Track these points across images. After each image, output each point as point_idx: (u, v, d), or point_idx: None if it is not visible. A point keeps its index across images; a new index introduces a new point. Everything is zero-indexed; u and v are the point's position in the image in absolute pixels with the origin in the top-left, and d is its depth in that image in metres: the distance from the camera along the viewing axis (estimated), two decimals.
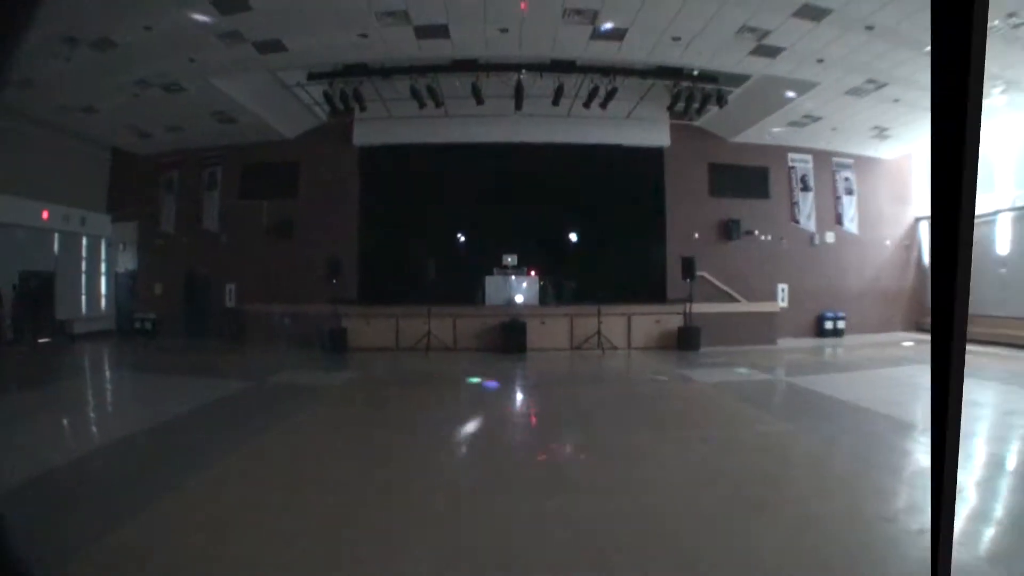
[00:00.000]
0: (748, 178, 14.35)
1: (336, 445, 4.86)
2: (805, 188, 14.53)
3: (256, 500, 3.69)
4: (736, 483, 3.97)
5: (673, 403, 6.91)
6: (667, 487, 3.92)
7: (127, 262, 15.24)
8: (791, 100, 11.50)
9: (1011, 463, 4.56)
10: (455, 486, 3.92)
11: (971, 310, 1.14)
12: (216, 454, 4.50)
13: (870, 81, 10.46)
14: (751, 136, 13.88)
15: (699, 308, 12.03)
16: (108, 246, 15.05)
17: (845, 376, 8.60)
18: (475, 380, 8.68)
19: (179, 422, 5.64)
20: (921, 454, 4.60)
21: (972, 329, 1.18)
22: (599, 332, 11.47)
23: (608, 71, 11.10)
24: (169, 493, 3.75)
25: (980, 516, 3.43)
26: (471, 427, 5.66)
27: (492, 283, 12.56)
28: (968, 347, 1.09)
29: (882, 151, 14.55)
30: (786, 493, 3.79)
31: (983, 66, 1.00)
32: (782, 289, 14.17)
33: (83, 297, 14.28)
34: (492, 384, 8.27)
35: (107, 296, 15.00)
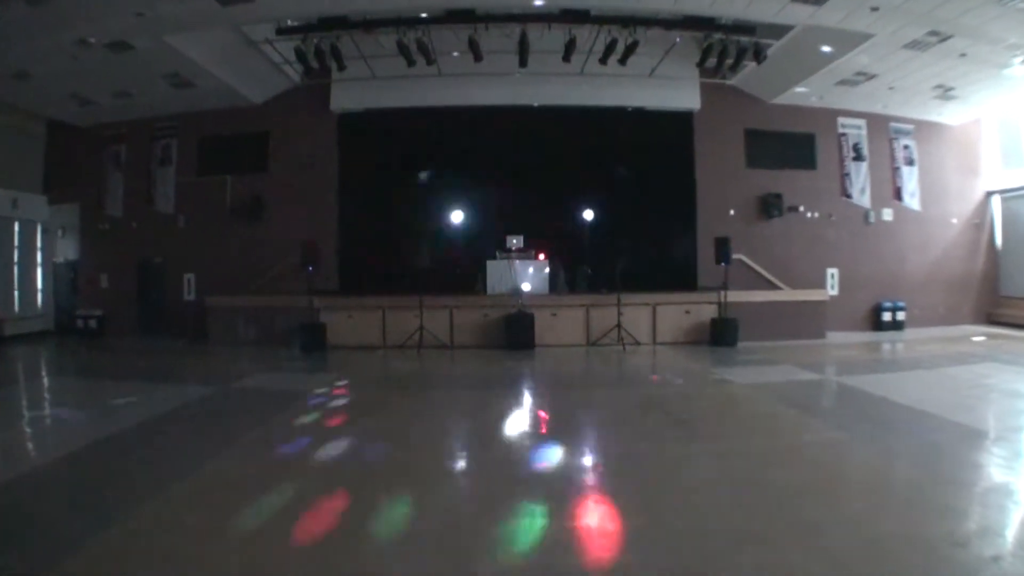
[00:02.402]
0: (791, 146, 14.39)
1: (309, 466, 4.83)
2: (858, 157, 14.54)
3: (198, 558, 3.39)
4: (781, 502, 3.98)
5: (706, 408, 6.93)
6: (699, 507, 3.92)
7: (67, 251, 15.36)
8: (841, 55, 11.43)
9: None
10: (454, 514, 3.93)
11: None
12: (161, 481, 4.37)
13: (932, 33, 10.42)
14: (794, 97, 13.90)
15: (735, 297, 12.08)
16: (44, 232, 15.15)
17: (906, 376, 8.60)
18: (475, 382, 8.71)
19: (122, 439, 5.55)
20: (996, 467, 4.63)
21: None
22: (619, 325, 11.52)
23: (628, 21, 11.10)
24: (91, 541, 3.48)
25: None
26: (470, 440, 5.67)
27: (494, 269, 12.60)
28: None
29: (946, 115, 14.53)
30: (839, 513, 3.80)
31: None
32: (832, 275, 14.22)
33: (15, 292, 14.36)
34: (494, 386, 8.31)
35: (44, 290, 15.10)
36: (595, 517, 3.80)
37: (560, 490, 4.20)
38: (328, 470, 4.77)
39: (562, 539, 3.48)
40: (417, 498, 4.16)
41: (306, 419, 6.45)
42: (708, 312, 12.13)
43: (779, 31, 11.30)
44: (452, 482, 4.61)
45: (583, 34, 11.40)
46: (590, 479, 4.64)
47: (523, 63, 11.83)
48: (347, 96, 13.76)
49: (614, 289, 11.73)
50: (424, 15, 11.04)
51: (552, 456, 5.08)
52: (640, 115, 13.96)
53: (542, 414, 6.88)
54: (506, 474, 4.61)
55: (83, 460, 5.03)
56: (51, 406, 7.47)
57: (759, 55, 11.54)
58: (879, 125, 14.64)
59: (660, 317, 12.09)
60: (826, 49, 11.30)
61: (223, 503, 4.04)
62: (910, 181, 14.80)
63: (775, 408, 6.70)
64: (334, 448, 5.29)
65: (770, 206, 14.11)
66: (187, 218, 14.33)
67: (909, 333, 13.65)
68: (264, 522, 3.77)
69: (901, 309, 14.15)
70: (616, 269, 11.63)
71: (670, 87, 13.68)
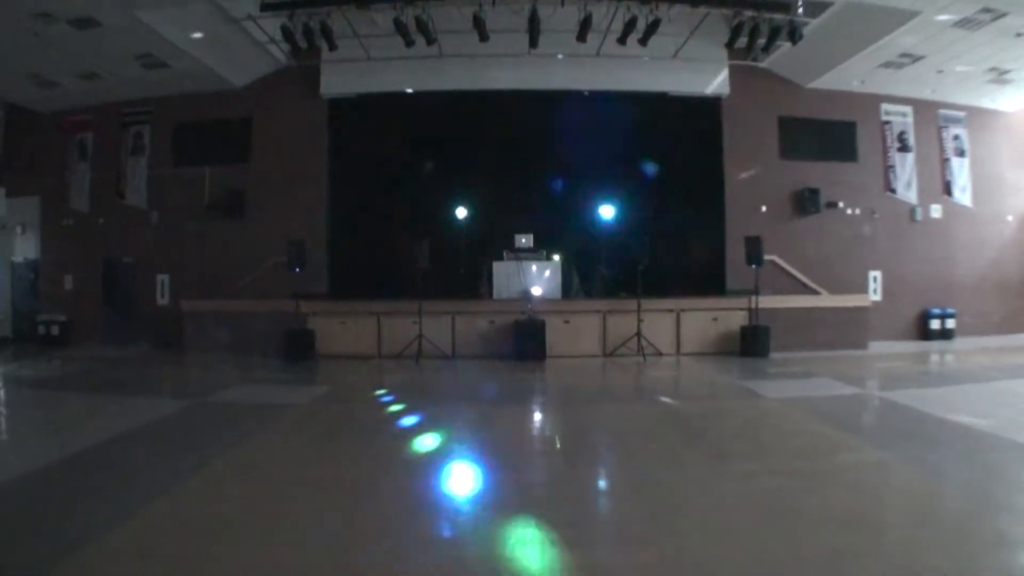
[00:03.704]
0: (830, 135, 14.46)
1: (295, 494, 4.80)
2: (903, 148, 14.60)
3: None
4: (816, 530, 3.98)
5: (734, 426, 6.96)
6: (725, 536, 3.92)
7: (27, 249, 15.44)
8: (884, 34, 11.50)
9: None
10: (455, 544, 3.96)
11: None
12: (125, 509, 4.25)
13: (985, 10, 10.49)
14: (833, 81, 13.97)
15: (767, 302, 12.14)
16: (1, 228, 15.22)
17: (957, 391, 8.59)
18: (480, 397, 8.76)
19: (82, 460, 5.48)
20: None
21: None
22: (639, 333, 11.58)
23: None
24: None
25: None
26: (476, 464, 5.71)
27: (501, 271, 12.67)
28: None
29: (1001, 101, 14.60)
30: (881, 544, 3.79)
31: None
32: (874, 278, 14.28)
33: None
34: (501, 402, 8.36)
35: (0, 294, 15.17)
36: (608, 548, 3.84)
37: (571, 517, 4.22)
38: (304, 513, 4.43)
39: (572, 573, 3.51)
40: (412, 516, 4.20)
41: (288, 440, 6.46)
42: (737, 319, 12.19)
43: (817, 8, 11.36)
44: (453, 503, 4.64)
45: (599, 11, 11.45)
46: (604, 505, 4.70)
47: (533, 43, 11.89)
48: (338, 79, 13.84)
49: (634, 293, 11.79)
50: None
51: (564, 479, 5.13)
52: (662, 101, 14.01)
53: (554, 432, 6.94)
54: (512, 499, 4.65)
55: (46, 479, 4.96)
56: (4, 423, 7.34)
57: (794, 34, 11.55)
58: (927, 112, 14.70)
59: (684, 324, 12.15)
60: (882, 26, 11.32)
61: (184, 547, 3.79)
62: (961, 174, 14.85)
63: (811, 426, 6.73)
64: (315, 480, 5.14)
65: (806, 202, 14.16)
66: (161, 214, 14.44)
67: (960, 343, 13.68)
68: None
69: (951, 316, 14.20)
70: (636, 271, 11.67)
71: (696, 70, 13.75)
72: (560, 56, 13.18)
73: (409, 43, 11.69)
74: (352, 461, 5.59)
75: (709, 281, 13.74)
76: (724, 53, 13.54)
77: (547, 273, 12.75)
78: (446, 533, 4.04)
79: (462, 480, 5.16)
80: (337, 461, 5.59)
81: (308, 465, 5.44)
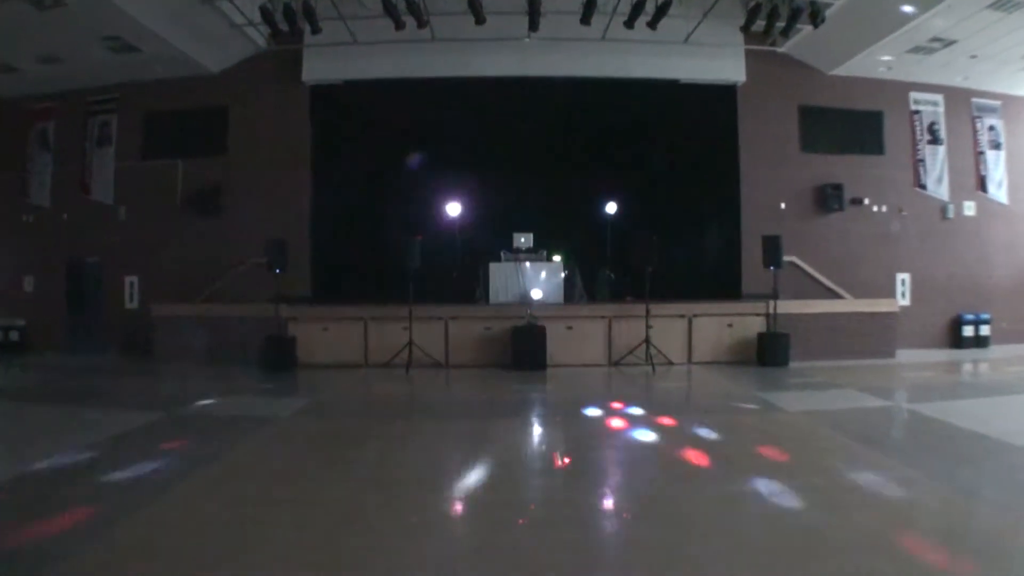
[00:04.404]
0: (854, 126, 14.48)
1: (273, 516, 4.75)
2: (934, 140, 14.61)
3: None
4: (838, 555, 3.98)
5: (751, 441, 6.94)
6: (746, 562, 3.89)
7: None
8: (913, 16, 11.51)
9: None
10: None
11: None
12: (79, 536, 4.16)
13: None
14: (858, 68, 13.98)
15: (787, 307, 12.12)
16: None
17: (992, 403, 8.61)
18: (475, 411, 8.73)
19: (32, 478, 5.41)
20: None
21: None
22: (647, 341, 11.56)
23: None
24: None
25: None
26: (471, 485, 5.69)
27: (499, 273, 12.67)
28: None
29: None
30: (908, 570, 3.82)
31: None
32: (902, 281, 14.29)
33: None
34: (498, 415, 8.33)
35: None
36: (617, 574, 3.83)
37: (575, 541, 4.21)
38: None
39: None
40: (404, 528, 4.18)
41: (267, 456, 6.42)
42: (754, 325, 12.18)
43: None
44: (446, 527, 4.63)
45: None
46: (612, 528, 4.69)
47: (534, 26, 11.90)
48: (322, 65, 13.84)
49: (642, 297, 11.77)
50: None
51: (567, 499, 5.11)
52: (673, 89, 14.02)
53: (556, 448, 6.92)
54: (511, 521, 4.62)
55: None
56: None
57: (816, 17, 11.56)
58: (959, 101, 14.71)
59: (697, 331, 12.13)
60: (907, 9, 11.31)
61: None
62: (996, 168, 14.86)
63: (834, 441, 6.72)
64: (295, 501, 5.06)
65: (829, 198, 14.16)
66: (129, 210, 14.42)
67: (995, 351, 13.68)
68: None
69: (985, 322, 14.19)
70: (644, 273, 11.65)
71: (709, 55, 13.76)
72: (563, 40, 13.12)
73: (399, 25, 11.70)
74: (337, 480, 5.53)
75: (723, 284, 13.76)
76: (740, 37, 13.55)
77: (548, 275, 12.74)
78: (438, 560, 4.01)
79: (455, 502, 5.13)
80: (320, 480, 5.54)
81: (288, 484, 5.40)
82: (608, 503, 5.16)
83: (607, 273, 13.48)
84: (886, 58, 13.41)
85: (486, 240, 13.20)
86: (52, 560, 3.81)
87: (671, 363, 11.77)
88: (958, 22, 11.66)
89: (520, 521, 4.63)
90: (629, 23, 11.79)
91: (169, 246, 14.01)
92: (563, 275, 12.88)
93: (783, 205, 14.24)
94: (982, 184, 14.81)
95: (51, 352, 13.86)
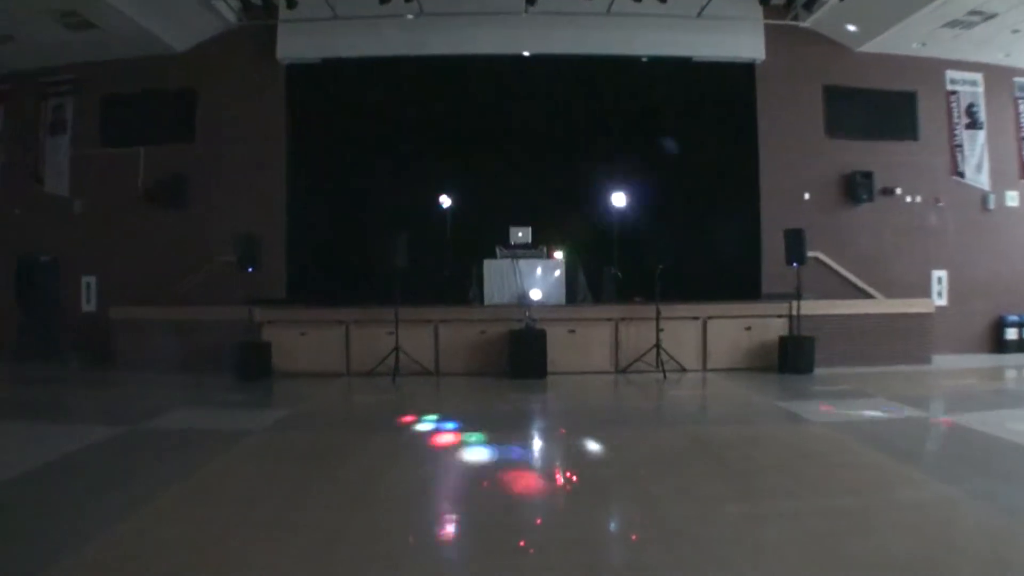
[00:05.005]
0: (885, 109, 14.49)
1: (247, 540, 4.71)
2: (973, 124, 14.62)
3: None
4: None
5: (773, 456, 6.95)
6: None
7: None
8: None
9: None
10: None
11: None
12: (25, 569, 4.10)
13: None
14: (889, 44, 14.00)
15: (811, 308, 12.14)
16: None
17: None
18: (468, 424, 8.71)
19: None
20: None
21: None
22: (658, 345, 11.59)
23: None
24: None
25: None
26: (465, 505, 5.68)
27: (494, 271, 12.69)
28: None
29: None
30: None
31: None
32: (938, 279, 14.30)
33: None
34: (494, 428, 8.33)
35: None
36: None
37: (582, 566, 4.22)
38: None
39: None
40: (391, 553, 4.19)
41: (239, 474, 6.43)
42: (776, 328, 12.21)
43: None
44: (438, 551, 4.63)
45: None
46: (621, 552, 4.69)
47: (531, 0, 11.92)
48: (299, 42, 13.86)
49: (652, 298, 11.79)
50: None
51: (573, 520, 5.12)
52: (685, 68, 14.07)
53: (559, 464, 6.93)
54: (511, 544, 4.62)
55: None
56: None
57: None
58: (1000, 80, 14.74)
59: (712, 335, 12.17)
60: None
61: None
62: None
63: (864, 456, 6.73)
64: (272, 524, 5.12)
65: (857, 188, 14.19)
66: (87, 203, 14.42)
67: None
68: None
69: None
70: (654, 271, 11.65)
71: (725, 31, 13.79)
72: (563, 14, 13.13)
73: None
74: (317, 501, 5.55)
75: (741, 283, 13.82)
76: (759, 11, 13.59)
77: (548, 273, 12.76)
78: None
79: (448, 524, 5.14)
80: (297, 501, 5.55)
81: (262, 506, 5.41)
82: (613, 523, 5.18)
83: (613, 271, 13.46)
84: (920, 32, 13.39)
85: (480, 235, 13.17)
86: None
87: (684, 370, 11.82)
88: None
89: (520, 543, 4.63)
90: None
91: (130, 242, 14.01)
92: (564, 273, 12.88)
93: (807, 196, 14.26)
94: None
95: None
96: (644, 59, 13.94)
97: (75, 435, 7.57)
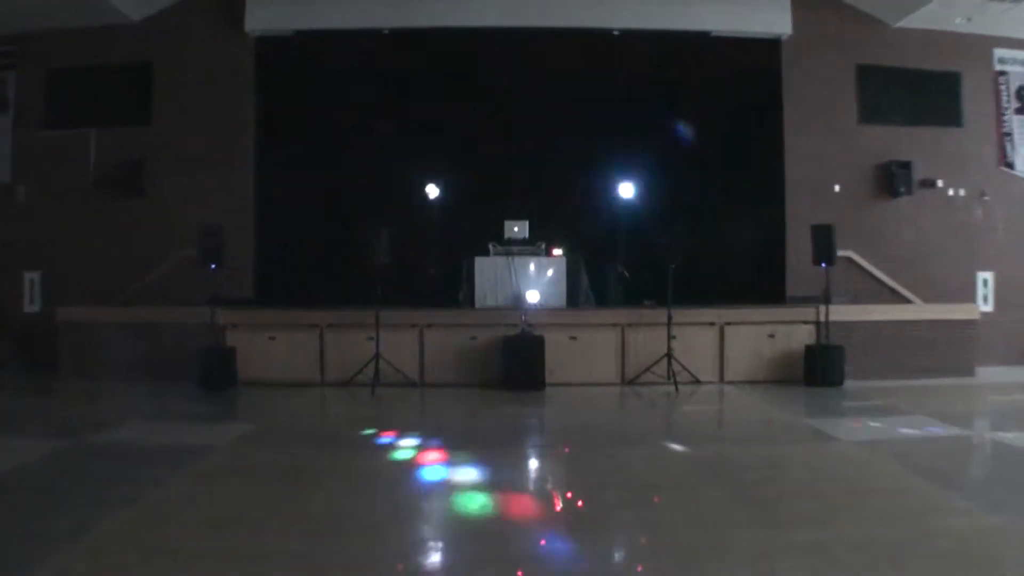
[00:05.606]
0: (925, 91, 14.45)
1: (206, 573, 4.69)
2: (1023, 109, 14.59)
3: None
4: None
5: (798, 479, 6.96)
6: None
7: None
8: None
9: None
10: None
11: None
12: None
13: None
14: (930, 19, 13.98)
15: (841, 313, 12.14)
16: None
17: None
18: (456, 443, 8.68)
19: None
20: None
21: None
22: (670, 354, 11.57)
23: None
24: None
25: None
26: (453, 534, 5.65)
27: (486, 269, 12.68)
28: None
29: None
30: None
31: None
32: (984, 281, 14.29)
33: None
34: (486, 448, 8.31)
35: None
36: None
37: None
38: None
39: None
40: None
41: (199, 496, 6.39)
42: (801, 336, 12.21)
43: None
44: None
45: None
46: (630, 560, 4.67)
47: None
48: (269, 12, 13.79)
49: (663, 301, 11.77)
50: None
51: (576, 550, 5.09)
52: (704, 43, 14.03)
53: (559, 487, 6.91)
54: None
55: None
56: None
57: None
58: None
59: (730, 343, 12.16)
60: None
61: None
62: None
63: (899, 480, 6.73)
64: (234, 553, 5.06)
65: (894, 179, 14.15)
66: (30, 190, 14.33)
67: None
68: None
69: None
70: (666, 271, 11.63)
71: (748, 2, 13.81)
72: None
73: None
74: (284, 529, 5.50)
75: (763, 285, 13.82)
76: None
77: (547, 273, 12.75)
78: None
79: (434, 555, 5.10)
80: (262, 527, 5.51)
81: (225, 532, 5.36)
82: (618, 554, 5.16)
83: (620, 271, 13.45)
84: (966, 5, 13.39)
85: (471, 230, 13.21)
86: None
87: (698, 382, 11.80)
88: None
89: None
90: None
91: (80, 235, 13.92)
92: (565, 273, 12.86)
93: (837, 188, 14.23)
94: None
95: None
96: (655, 32, 13.85)
97: (11, 450, 7.52)
